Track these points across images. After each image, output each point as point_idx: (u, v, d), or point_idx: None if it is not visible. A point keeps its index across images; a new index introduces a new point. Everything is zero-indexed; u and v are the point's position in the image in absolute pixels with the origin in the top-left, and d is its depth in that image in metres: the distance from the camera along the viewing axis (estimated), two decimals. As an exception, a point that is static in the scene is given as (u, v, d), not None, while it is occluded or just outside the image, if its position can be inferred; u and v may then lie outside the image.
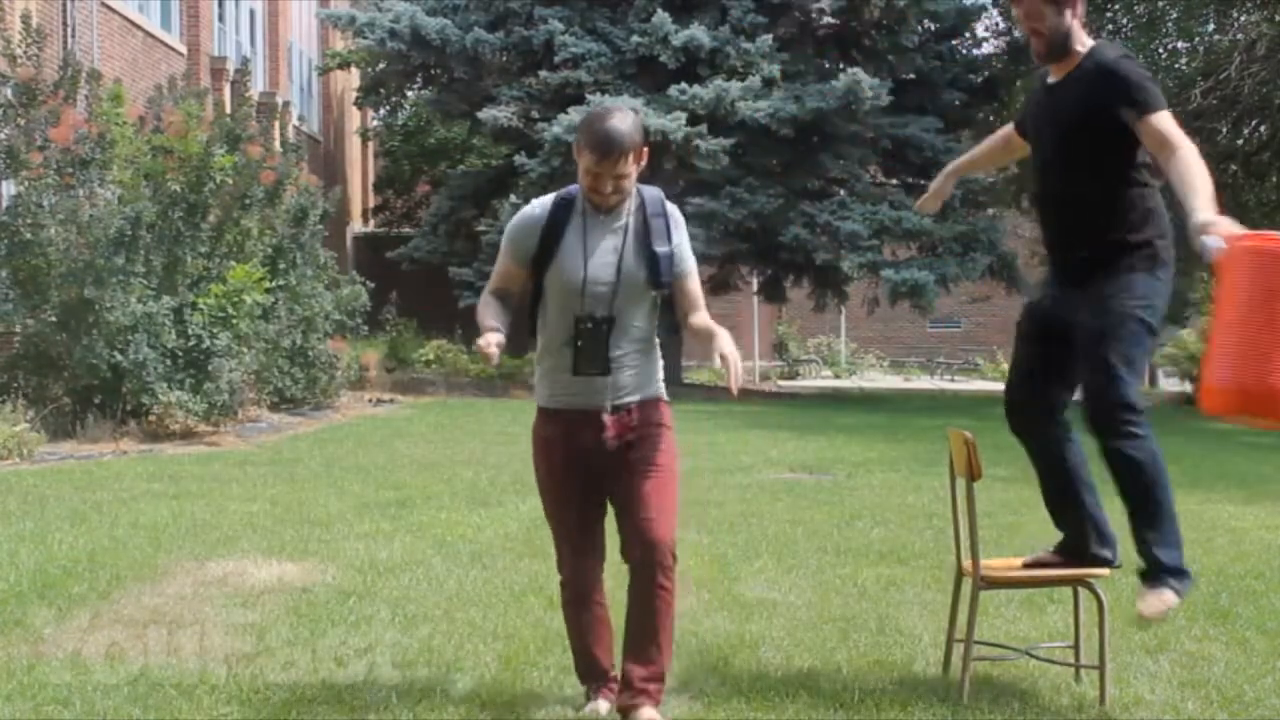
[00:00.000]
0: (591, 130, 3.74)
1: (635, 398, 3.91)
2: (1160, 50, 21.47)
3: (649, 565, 3.81)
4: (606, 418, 3.87)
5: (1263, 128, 21.41)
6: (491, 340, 3.75)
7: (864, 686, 4.49)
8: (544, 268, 3.88)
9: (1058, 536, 4.54)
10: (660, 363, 4.05)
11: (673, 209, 3.94)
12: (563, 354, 3.87)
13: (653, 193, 3.94)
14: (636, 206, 3.89)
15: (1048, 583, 4.99)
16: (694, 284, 3.98)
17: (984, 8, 23.46)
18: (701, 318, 3.96)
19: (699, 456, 11.49)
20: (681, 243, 3.93)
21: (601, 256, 3.84)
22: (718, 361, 3.72)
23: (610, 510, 4.01)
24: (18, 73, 12.62)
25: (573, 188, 3.93)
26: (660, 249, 3.84)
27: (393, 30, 21.36)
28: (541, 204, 3.95)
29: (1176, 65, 20.82)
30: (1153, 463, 4.08)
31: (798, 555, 6.96)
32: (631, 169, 3.76)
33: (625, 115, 3.77)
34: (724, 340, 3.76)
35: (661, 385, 4.02)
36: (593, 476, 3.93)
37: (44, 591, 5.69)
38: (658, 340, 4.02)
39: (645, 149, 3.80)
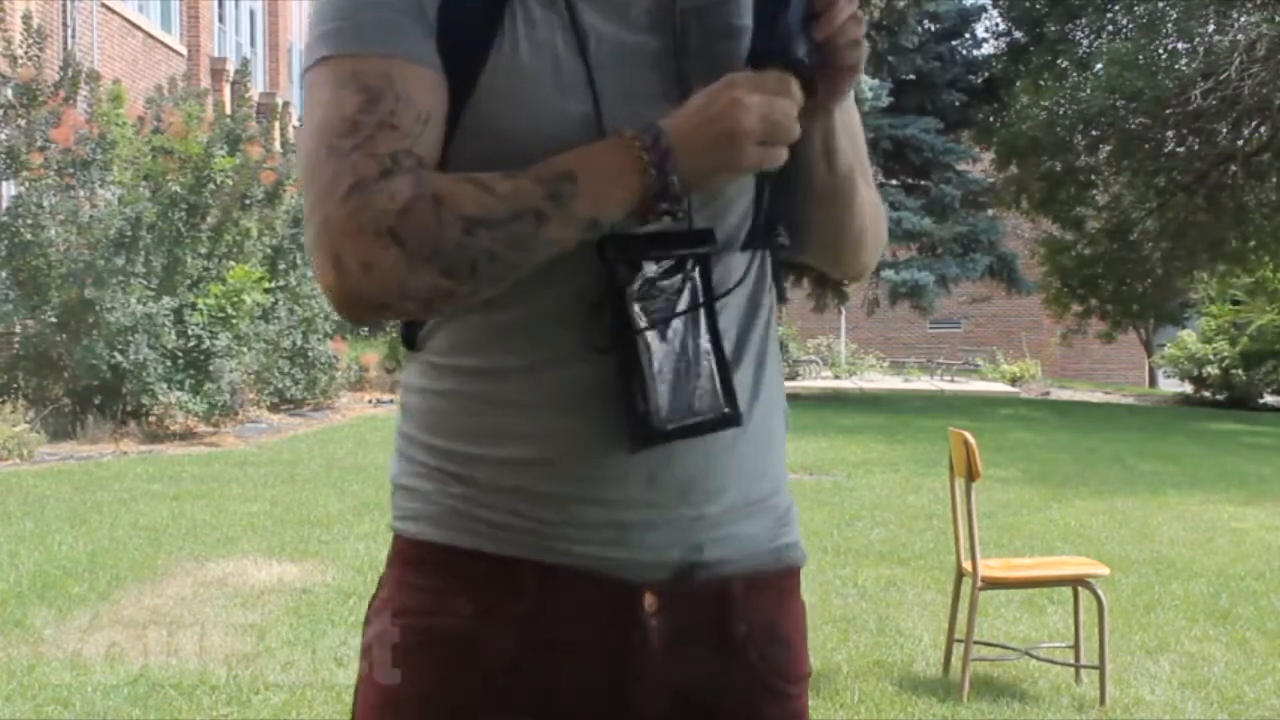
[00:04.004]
0: None
1: (744, 554, 1.29)
2: (1160, 50, 21.44)
3: None
4: (650, 600, 1.25)
5: (1263, 128, 21.37)
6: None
7: (864, 686, 4.49)
8: (455, 120, 1.22)
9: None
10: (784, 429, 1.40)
11: None
12: (561, 374, 1.24)
13: None
14: None
15: (1048, 583, 5.00)
16: None
17: (984, 8, 23.46)
18: None
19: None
20: None
21: (628, 82, 1.26)
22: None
23: None
24: (18, 73, 12.62)
25: None
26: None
27: (393, 31, 21.37)
28: None
29: (1176, 66, 20.78)
30: None
31: (798, 555, 6.96)
32: None
33: None
34: None
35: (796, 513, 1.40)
36: None
37: (44, 592, 5.70)
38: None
39: None
